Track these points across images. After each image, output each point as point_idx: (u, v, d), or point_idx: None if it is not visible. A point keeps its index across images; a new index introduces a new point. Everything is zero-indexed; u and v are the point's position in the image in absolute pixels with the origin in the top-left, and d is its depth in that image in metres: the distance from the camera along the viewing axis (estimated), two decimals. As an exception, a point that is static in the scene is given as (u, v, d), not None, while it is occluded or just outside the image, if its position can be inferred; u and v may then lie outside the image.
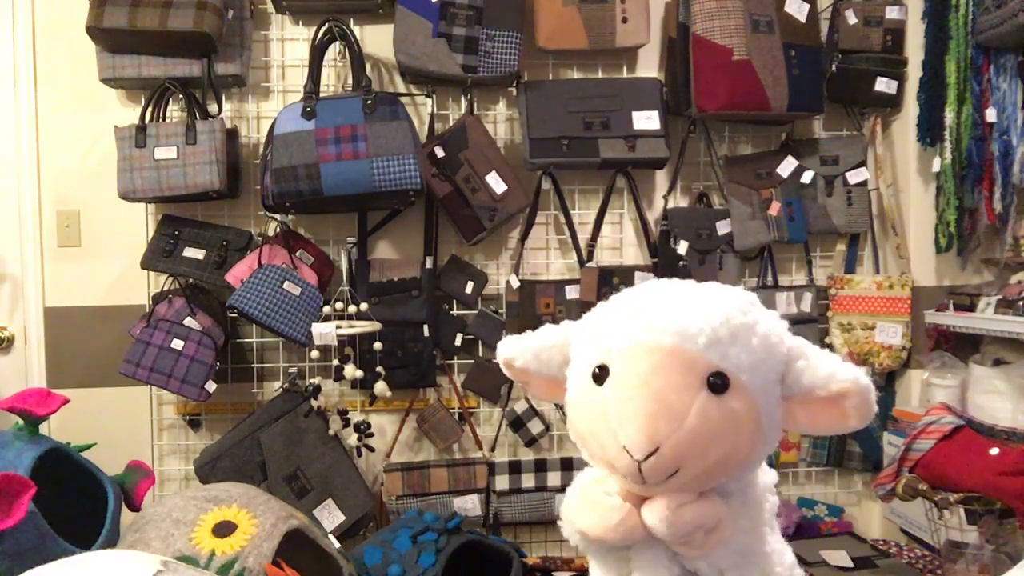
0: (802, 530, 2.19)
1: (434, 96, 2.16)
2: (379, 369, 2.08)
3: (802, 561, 1.50)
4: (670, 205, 2.24)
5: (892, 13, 2.20)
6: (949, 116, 2.12)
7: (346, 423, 2.07)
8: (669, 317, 0.98)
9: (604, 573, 1.09)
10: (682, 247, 2.18)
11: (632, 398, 0.95)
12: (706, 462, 0.95)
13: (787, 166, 2.21)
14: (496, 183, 2.10)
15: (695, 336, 0.95)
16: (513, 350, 1.16)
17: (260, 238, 2.12)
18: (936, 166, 2.17)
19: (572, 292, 2.17)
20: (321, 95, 1.96)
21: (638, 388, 0.95)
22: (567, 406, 1.09)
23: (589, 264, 2.18)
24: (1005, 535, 1.60)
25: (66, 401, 1.41)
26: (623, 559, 1.06)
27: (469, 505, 2.13)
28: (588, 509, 1.03)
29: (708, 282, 1.08)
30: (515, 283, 2.15)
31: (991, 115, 2.07)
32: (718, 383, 0.94)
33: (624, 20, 2.09)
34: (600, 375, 0.99)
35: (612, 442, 0.95)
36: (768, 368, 0.98)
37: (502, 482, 2.15)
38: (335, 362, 2.10)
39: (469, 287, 2.20)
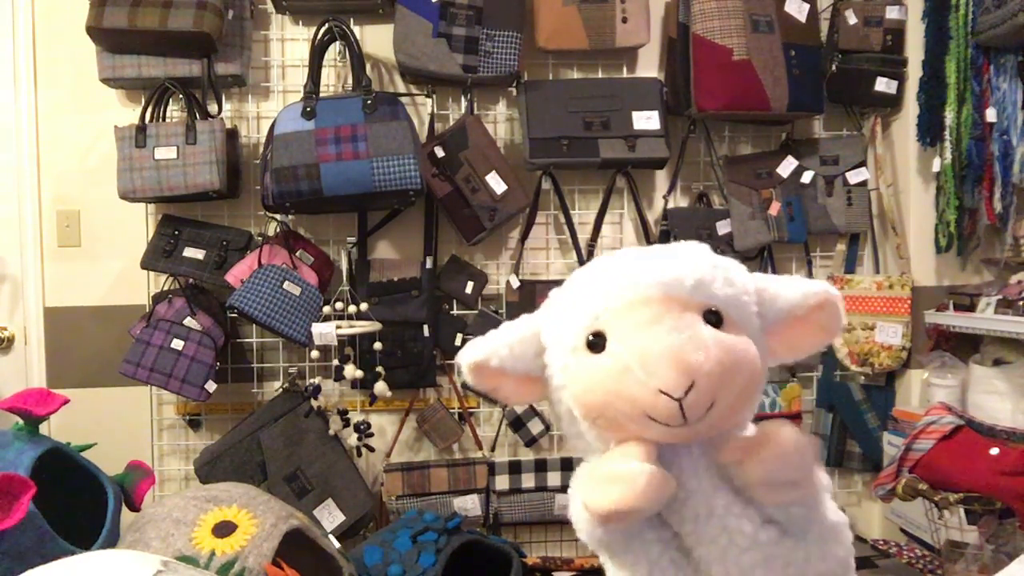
0: (802, 530, 2.19)
1: (434, 96, 2.16)
2: (379, 369, 2.08)
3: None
4: (670, 205, 2.24)
5: (892, 13, 2.20)
6: (949, 116, 2.12)
7: (346, 423, 2.08)
8: (648, 272, 1.00)
9: (631, 567, 1.05)
10: (682, 247, 2.18)
11: (653, 343, 0.94)
12: (735, 387, 0.96)
13: (787, 166, 2.21)
14: (496, 183, 2.10)
15: (679, 282, 0.98)
16: (484, 351, 1.08)
17: (260, 238, 2.12)
18: (936, 166, 2.17)
19: (572, 292, 2.16)
20: (321, 95, 1.96)
21: (653, 333, 0.95)
22: (555, 392, 1.06)
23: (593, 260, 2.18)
24: (1005, 535, 1.60)
25: (66, 401, 1.41)
26: (651, 542, 1.03)
27: (469, 505, 2.13)
28: (608, 485, 0.97)
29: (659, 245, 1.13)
30: (515, 283, 2.15)
31: (991, 115, 2.07)
32: (712, 319, 0.97)
33: (624, 20, 2.09)
34: (596, 342, 0.99)
35: (644, 394, 0.93)
36: (746, 301, 1.01)
37: (502, 482, 2.15)
38: (335, 362, 2.10)
39: (469, 287, 2.20)
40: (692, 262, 1.01)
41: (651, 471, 0.95)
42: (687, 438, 1.00)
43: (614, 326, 0.98)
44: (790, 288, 1.04)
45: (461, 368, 1.09)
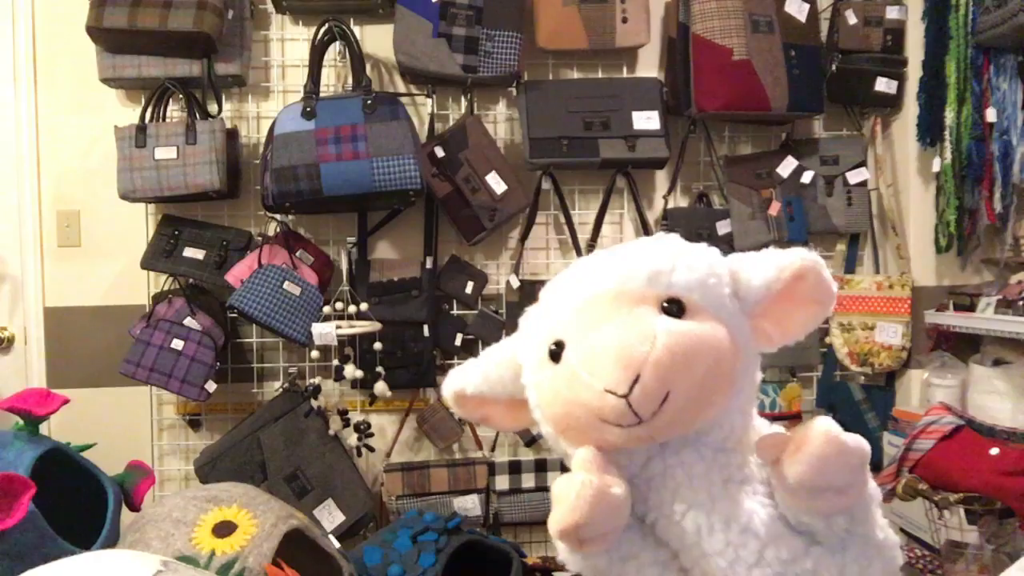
0: (802, 530, 2.19)
1: (434, 96, 2.16)
2: (379, 369, 2.08)
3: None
4: (670, 205, 2.24)
5: (892, 13, 2.19)
6: (949, 116, 2.12)
7: (346, 423, 2.07)
8: (602, 271, 0.96)
9: None
10: (682, 247, 2.18)
11: (596, 343, 0.89)
12: (694, 376, 0.88)
13: (787, 166, 2.21)
14: (496, 183, 2.10)
15: (633, 275, 0.93)
16: (460, 381, 1.08)
17: (260, 238, 2.12)
18: (936, 166, 2.17)
19: (572, 292, 2.17)
20: (321, 95, 1.96)
21: (597, 331, 0.90)
22: (535, 412, 1.01)
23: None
24: (1005, 535, 1.60)
25: (66, 401, 1.40)
26: (646, 565, 0.96)
27: (469, 505, 2.13)
28: (554, 505, 0.91)
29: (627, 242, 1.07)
30: (515, 283, 2.15)
31: (991, 115, 2.07)
32: (673, 308, 0.91)
33: (624, 20, 2.09)
34: (556, 351, 0.94)
35: (591, 396, 0.88)
36: (716, 281, 0.95)
37: (502, 482, 2.15)
38: (335, 362, 2.10)
39: (469, 287, 2.20)
40: (650, 254, 0.96)
41: (584, 481, 0.88)
42: (651, 438, 0.92)
43: (568, 332, 0.94)
44: (762, 264, 0.97)
45: (446, 401, 1.08)
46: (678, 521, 0.94)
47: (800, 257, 0.95)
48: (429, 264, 2.16)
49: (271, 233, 2.13)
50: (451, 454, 2.25)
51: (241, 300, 1.88)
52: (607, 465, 0.93)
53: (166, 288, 2.11)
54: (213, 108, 2.05)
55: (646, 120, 2.13)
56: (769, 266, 0.96)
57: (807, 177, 2.22)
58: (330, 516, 1.97)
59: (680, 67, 2.10)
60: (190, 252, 2.08)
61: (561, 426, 0.97)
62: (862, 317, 2.22)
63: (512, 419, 1.09)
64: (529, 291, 2.15)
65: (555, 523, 0.90)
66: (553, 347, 0.95)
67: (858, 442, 0.89)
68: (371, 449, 2.10)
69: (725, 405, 0.95)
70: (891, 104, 2.24)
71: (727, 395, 0.95)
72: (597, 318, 0.91)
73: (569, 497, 0.88)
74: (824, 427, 0.88)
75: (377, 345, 2.07)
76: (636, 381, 0.86)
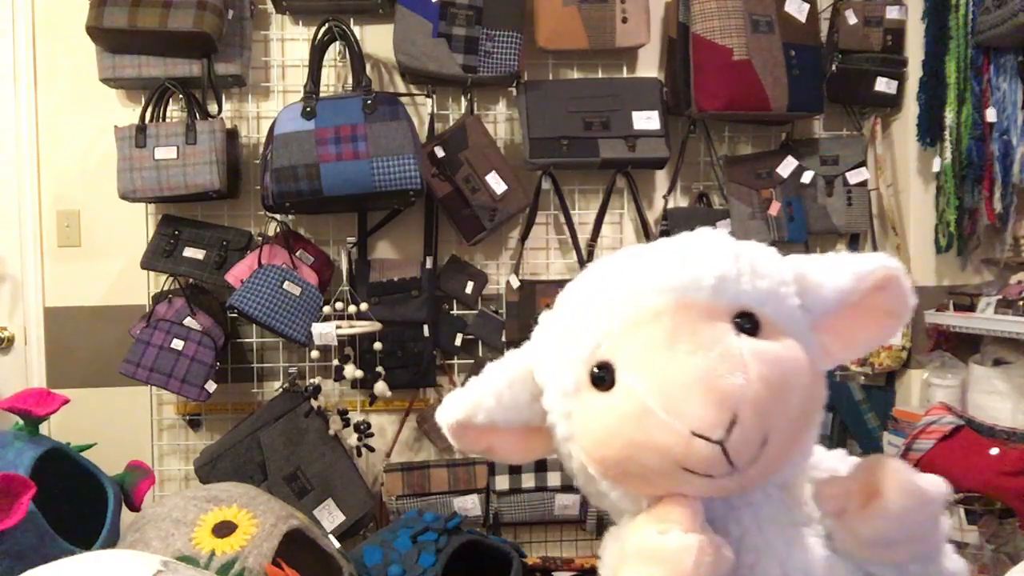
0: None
1: (434, 96, 2.16)
2: (379, 369, 2.08)
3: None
4: (670, 205, 2.24)
5: (892, 13, 2.19)
6: (949, 116, 2.12)
7: (346, 423, 2.07)
8: (655, 276, 0.79)
9: None
10: (682, 247, 2.18)
11: (675, 372, 0.72)
12: (790, 412, 0.74)
13: (787, 166, 2.21)
14: (496, 183, 2.10)
15: (697, 282, 0.77)
16: (466, 405, 0.87)
17: (260, 238, 2.12)
18: (936, 166, 2.17)
19: (572, 292, 2.17)
20: (321, 95, 1.96)
21: (672, 356, 0.73)
22: (562, 444, 0.85)
23: (589, 264, 2.18)
24: (1005, 535, 1.60)
25: (66, 401, 1.40)
26: None
27: (469, 505, 2.13)
28: (644, 567, 0.75)
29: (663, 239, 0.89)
30: (515, 283, 2.15)
31: (991, 115, 2.07)
32: (747, 325, 0.76)
33: (624, 20, 2.09)
34: (602, 376, 0.78)
35: (673, 441, 0.72)
36: (784, 294, 0.80)
37: (502, 482, 2.15)
38: (335, 362, 2.10)
39: (469, 287, 2.20)
40: (708, 255, 0.79)
41: (699, 544, 0.73)
42: (740, 489, 0.77)
43: (621, 353, 0.77)
44: (838, 270, 0.82)
45: (442, 430, 0.90)
46: (746, 574, 0.80)
47: (883, 265, 0.81)
48: (429, 264, 2.16)
49: (271, 233, 2.13)
50: (451, 454, 2.25)
51: (241, 300, 1.88)
52: (705, 519, 0.78)
53: (166, 288, 2.11)
54: (213, 108, 2.05)
55: (646, 120, 2.13)
56: (844, 273, 0.81)
57: (807, 177, 2.22)
58: (330, 516, 1.97)
59: (680, 67, 2.10)
60: (190, 252, 2.08)
61: (616, 471, 0.79)
62: (862, 317, 2.22)
63: (523, 450, 0.91)
64: (529, 291, 2.15)
65: None
66: (596, 370, 0.78)
67: (938, 487, 0.79)
68: (371, 449, 2.10)
69: (814, 438, 0.83)
70: (891, 104, 2.24)
71: (818, 427, 0.82)
72: (661, 338, 0.74)
73: (675, 562, 0.73)
74: (899, 475, 0.77)
75: (377, 345, 2.07)
76: (734, 423, 0.70)
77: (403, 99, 2.02)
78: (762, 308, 0.77)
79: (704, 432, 0.70)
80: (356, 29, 2.07)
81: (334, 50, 2.13)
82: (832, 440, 2.25)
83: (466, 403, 0.88)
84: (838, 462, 0.90)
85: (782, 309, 0.79)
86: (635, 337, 0.76)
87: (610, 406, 0.77)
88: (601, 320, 0.79)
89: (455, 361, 2.23)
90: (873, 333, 0.84)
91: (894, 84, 2.20)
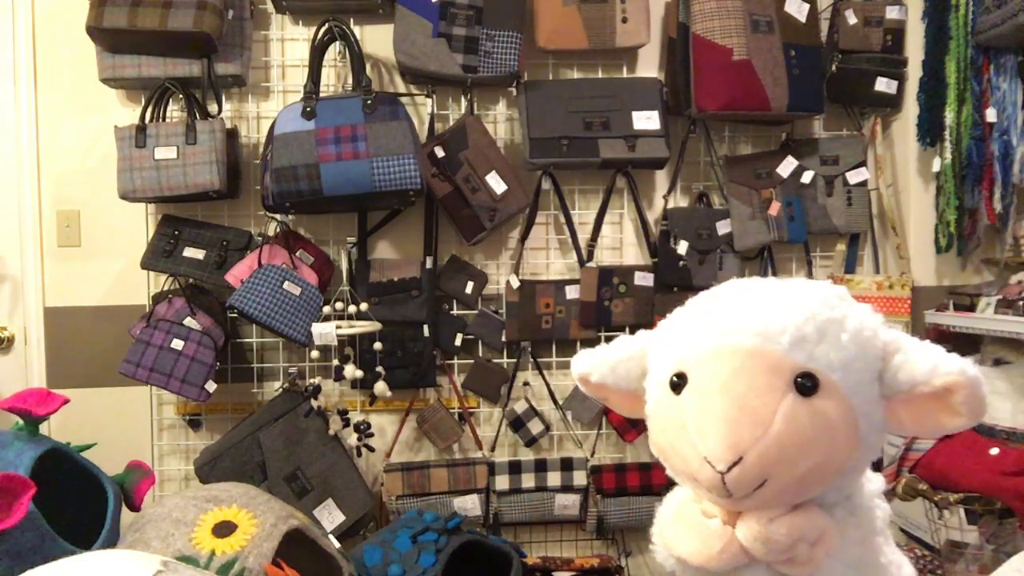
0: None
1: (434, 96, 2.16)
2: (379, 369, 2.08)
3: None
4: (670, 205, 2.24)
5: (892, 13, 2.20)
6: (949, 116, 2.12)
7: (346, 423, 2.07)
8: (749, 317, 0.92)
9: None
10: (682, 247, 2.19)
11: (712, 406, 0.88)
12: (796, 471, 0.87)
13: (787, 166, 2.21)
14: (496, 183, 2.10)
15: (778, 335, 0.89)
16: (588, 365, 1.09)
17: (260, 238, 2.12)
18: (936, 166, 2.17)
19: (572, 292, 2.17)
20: (321, 95, 1.96)
21: (717, 394, 0.88)
22: (647, 419, 1.03)
23: (589, 264, 2.18)
24: (1005, 535, 1.60)
25: (66, 401, 1.40)
26: None
27: (469, 505, 2.13)
28: (687, 534, 0.96)
29: (793, 279, 1.01)
30: (515, 283, 2.15)
31: (991, 115, 2.07)
32: (807, 384, 0.87)
33: (624, 20, 2.09)
34: (678, 383, 0.94)
35: (693, 454, 0.89)
36: (862, 365, 0.90)
37: (502, 482, 2.15)
38: (335, 362, 2.10)
39: (469, 287, 2.20)
40: (802, 312, 0.90)
41: (730, 535, 0.92)
42: (737, 508, 0.94)
43: (695, 371, 0.92)
44: (923, 358, 0.89)
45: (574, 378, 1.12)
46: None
47: (960, 372, 0.86)
48: (429, 264, 2.16)
49: (271, 233, 2.13)
50: (451, 454, 2.25)
51: (241, 300, 1.88)
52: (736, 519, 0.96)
53: (166, 288, 2.11)
54: (213, 108, 2.05)
55: (646, 120, 2.13)
56: (924, 365, 0.89)
57: (807, 177, 2.22)
58: (330, 516, 1.97)
59: (680, 67, 2.10)
60: (190, 252, 2.08)
61: (662, 455, 1.00)
62: (862, 317, 2.22)
63: (630, 408, 1.11)
64: (529, 291, 2.15)
65: (686, 554, 0.95)
66: (675, 378, 0.94)
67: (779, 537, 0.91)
68: (371, 449, 2.10)
69: (827, 488, 0.94)
70: (891, 104, 2.24)
71: (830, 487, 0.93)
72: (726, 373, 0.89)
73: (707, 541, 0.93)
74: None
75: (377, 345, 2.07)
76: (738, 462, 0.86)
77: (403, 99, 2.02)
78: (828, 374, 0.88)
79: (711, 461, 0.87)
80: (356, 29, 2.07)
81: (334, 50, 2.13)
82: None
83: (588, 363, 1.09)
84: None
85: (850, 378, 0.89)
86: (707, 364, 0.91)
87: (671, 408, 0.95)
88: (692, 339, 0.95)
89: (455, 361, 2.23)
90: (941, 422, 0.91)
91: (894, 84, 2.20)
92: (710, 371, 0.90)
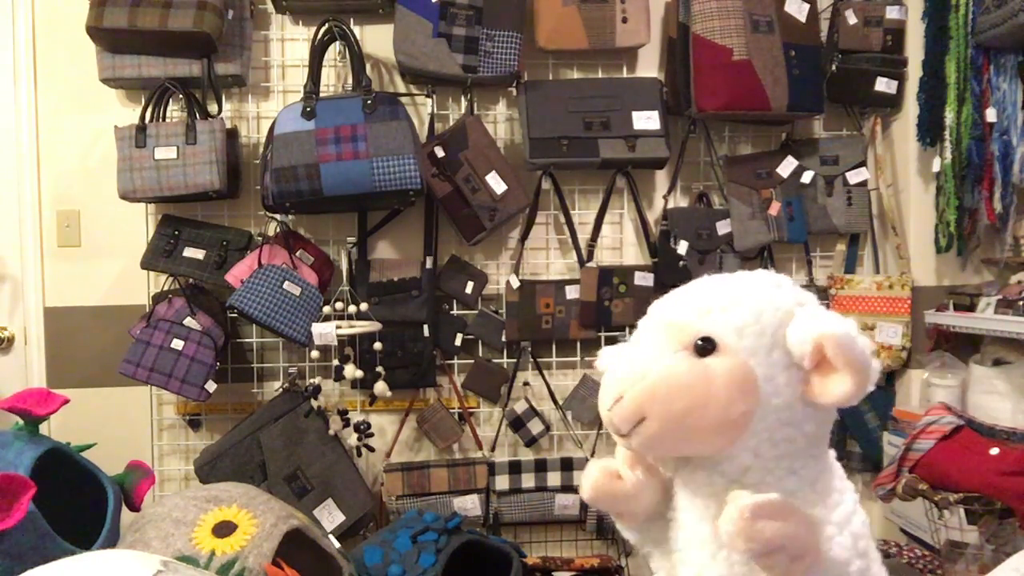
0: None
1: (434, 96, 2.16)
2: (379, 369, 2.08)
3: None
4: (670, 205, 2.24)
5: (892, 13, 2.19)
6: (949, 116, 2.12)
7: (346, 423, 2.07)
8: (683, 297, 1.05)
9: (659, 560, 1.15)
10: (682, 247, 2.19)
11: (625, 357, 1.02)
12: (671, 409, 0.95)
13: (787, 166, 2.21)
14: (496, 183, 2.10)
15: (693, 308, 1.01)
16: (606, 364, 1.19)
17: (260, 238, 2.12)
18: (936, 166, 2.17)
19: (572, 292, 2.17)
20: (321, 95, 1.96)
21: (632, 347, 1.03)
22: None
23: (589, 264, 2.18)
24: (1005, 535, 1.60)
25: (66, 401, 1.41)
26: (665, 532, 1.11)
27: (469, 505, 2.13)
28: (586, 473, 1.13)
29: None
30: (515, 283, 2.15)
31: (991, 115, 2.07)
32: (705, 346, 0.97)
33: (624, 20, 2.09)
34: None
35: (600, 403, 1.03)
36: (758, 330, 0.97)
37: (502, 482, 2.15)
38: (335, 362, 2.10)
39: (469, 287, 2.20)
40: (722, 290, 1.02)
41: (596, 470, 1.10)
42: (635, 452, 1.07)
43: (634, 335, 1.07)
44: (800, 321, 0.96)
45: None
46: (674, 530, 1.09)
47: (824, 326, 0.93)
48: (429, 264, 2.16)
49: (271, 233, 2.13)
50: (451, 454, 2.25)
51: (241, 300, 1.88)
52: (645, 463, 1.11)
53: (166, 288, 2.11)
54: (213, 108, 2.05)
55: (646, 120, 2.13)
56: (797, 330, 0.96)
57: (807, 177, 2.22)
58: (330, 516, 1.97)
59: (680, 67, 2.10)
60: (190, 252, 2.08)
61: None
62: (862, 317, 2.22)
63: None
64: (529, 291, 2.15)
65: (582, 492, 1.13)
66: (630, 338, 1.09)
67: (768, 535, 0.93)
68: (371, 449, 2.10)
69: (720, 443, 0.99)
70: (891, 104, 2.24)
71: (721, 434, 0.98)
72: (641, 339, 1.04)
73: (584, 477, 1.11)
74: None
75: (377, 345, 2.07)
76: (618, 401, 0.98)
77: (403, 99, 2.02)
78: (723, 336, 0.97)
79: (602, 401, 1.01)
80: (356, 29, 2.07)
81: (334, 50, 2.13)
82: (831, 440, 2.25)
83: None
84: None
85: (746, 342, 0.97)
86: (640, 330, 1.06)
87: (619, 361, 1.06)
88: (645, 319, 1.08)
89: (455, 361, 2.23)
90: (834, 391, 0.99)
91: (894, 84, 2.20)
92: (638, 334, 1.05)
